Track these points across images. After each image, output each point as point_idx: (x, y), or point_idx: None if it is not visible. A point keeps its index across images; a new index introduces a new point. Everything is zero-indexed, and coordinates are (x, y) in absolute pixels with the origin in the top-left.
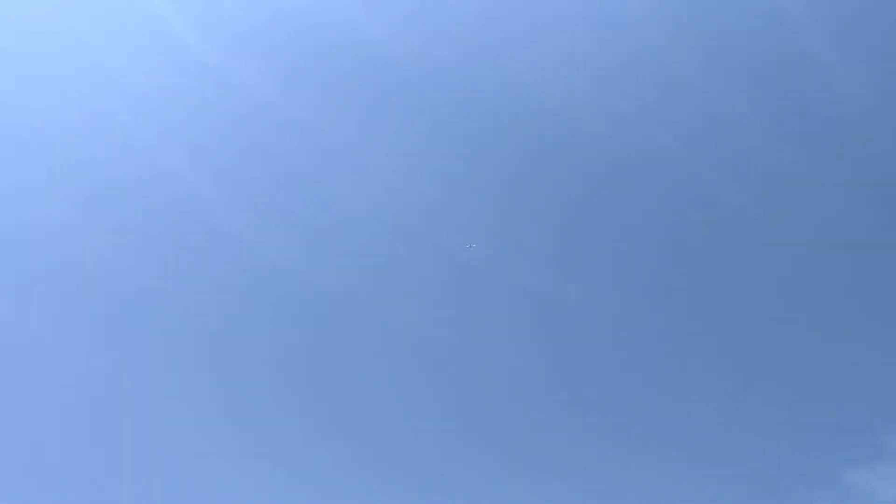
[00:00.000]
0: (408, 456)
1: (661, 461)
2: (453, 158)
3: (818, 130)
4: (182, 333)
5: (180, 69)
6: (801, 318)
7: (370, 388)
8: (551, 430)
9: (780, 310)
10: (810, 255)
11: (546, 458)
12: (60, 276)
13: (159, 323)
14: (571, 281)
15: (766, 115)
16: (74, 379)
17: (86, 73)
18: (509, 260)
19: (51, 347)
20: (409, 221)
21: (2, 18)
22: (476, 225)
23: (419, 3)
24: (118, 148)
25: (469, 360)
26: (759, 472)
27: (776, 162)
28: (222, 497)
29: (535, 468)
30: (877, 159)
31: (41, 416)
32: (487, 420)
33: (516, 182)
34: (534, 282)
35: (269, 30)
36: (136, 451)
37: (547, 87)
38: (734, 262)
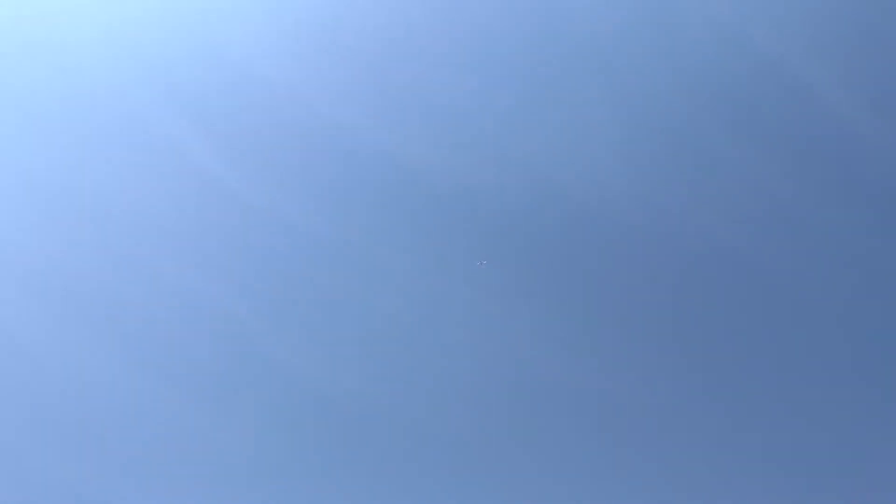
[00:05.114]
0: None
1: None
2: (481, 259)
3: (859, 200)
4: (216, 463)
5: (212, 202)
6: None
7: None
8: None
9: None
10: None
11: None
12: (92, 413)
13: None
14: (623, 385)
15: (810, 189)
16: None
17: (106, 208)
18: (552, 361)
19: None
20: (443, 327)
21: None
22: (511, 325)
23: (432, 112)
24: (148, 281)
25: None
26: None
27: (821, 238)
28: None
29: None
30: None
31: None
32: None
33: (546, 277)
34: (586, 380)
35: (296, 155)
36: None
37: (571, 177)
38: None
